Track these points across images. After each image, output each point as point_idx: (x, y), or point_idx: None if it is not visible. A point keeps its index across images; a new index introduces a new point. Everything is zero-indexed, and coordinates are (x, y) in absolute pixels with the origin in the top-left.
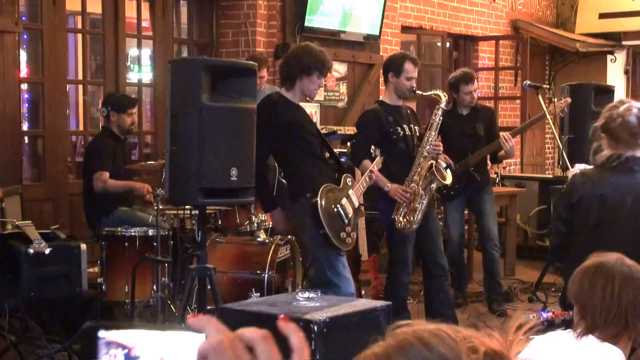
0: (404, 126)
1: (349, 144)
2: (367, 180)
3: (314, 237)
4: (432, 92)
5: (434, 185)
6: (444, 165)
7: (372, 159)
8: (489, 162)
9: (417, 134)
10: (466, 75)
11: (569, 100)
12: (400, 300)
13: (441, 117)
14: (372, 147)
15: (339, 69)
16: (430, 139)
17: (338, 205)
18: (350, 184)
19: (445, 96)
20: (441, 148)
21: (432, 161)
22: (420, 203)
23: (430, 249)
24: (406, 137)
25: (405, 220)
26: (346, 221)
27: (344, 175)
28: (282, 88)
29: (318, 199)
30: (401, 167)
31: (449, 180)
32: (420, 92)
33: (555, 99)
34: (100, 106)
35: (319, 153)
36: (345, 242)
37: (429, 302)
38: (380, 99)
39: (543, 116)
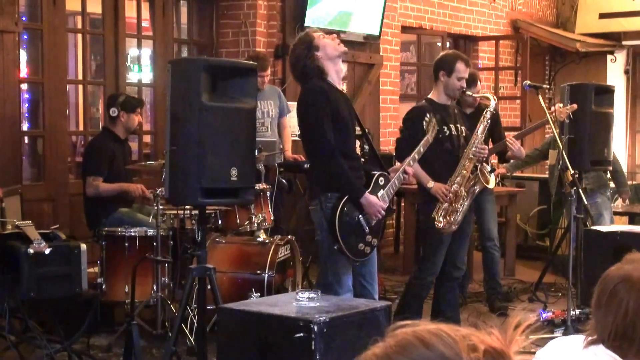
0: (451, 126)
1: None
2: (400, 178)
3: (325, 241)
4: (483, 95)
5: (477, 188)
6: (489, 169)
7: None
8: (496, 162)
9: (464, 134)
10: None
11: (574, 106)
12: (418, 298)
13: (489, 120)
14: (426, 116)
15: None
16: (476, 142)
17: (360, 215)
18: (382, 183)
19: (495, 99)
20: (487, 151)
21: (477, 164)
22: (461, 204)
23: (455, 250)
24: (452, 137)
25: (445, 220)
26: (367, 230)
27: (377, 175)
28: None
29: (338, 210)
30: (445, 166)
31: (492, 184)
32: (470, 93)
33: (561, 105)
34: (106, 107)
35: (352, 152)
36: (363, 252)
37: (436, 301)
38: (428, 96)
39: (546, 122)
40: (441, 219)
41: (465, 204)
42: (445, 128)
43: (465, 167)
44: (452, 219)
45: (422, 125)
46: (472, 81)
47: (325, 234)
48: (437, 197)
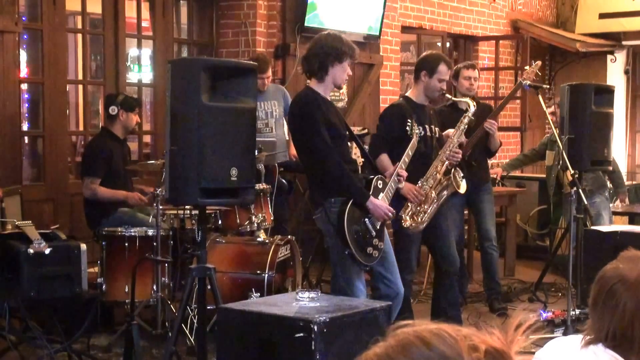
0: (426, 126)
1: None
2: (396, 181)
3: (336, 246)
4: (462, 99)
5: (447, 192)
6: (461, 174)
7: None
8: (489, 161)
9: (437, 135)
10: (469, 63)
11: (539, 63)
12: (404, 299)
13: (466, 125)
14: (408, 121)
15: None
16: (451, 145)
17: (366, 219)
18: (381, 186)
19: (474, 105)
20: (460, 156)
21: (450, 167)
22: (430, 206)
23: (441, 247)
24: (426, 138)
25: (411, 220)
26: (374, 233)
27: (374, 179)
28: (311, 81)
29: (346, 215)
30: (417, 166)
31: (463, 189)
32: (449, 96)
33: (527, 67)
34: (105, 106)
35: (347, 157)
36: (372, 256)
37: (436, 301)
38: (406, 94)
39: (520, 86)
40: (407, 217)
41: (434, 206)
42: (420, 128)
43: (437, 169)
44: (419, 219)
45: (399, 124)
46: (470, 66)
47: (334, 240)
48: (407, 197)
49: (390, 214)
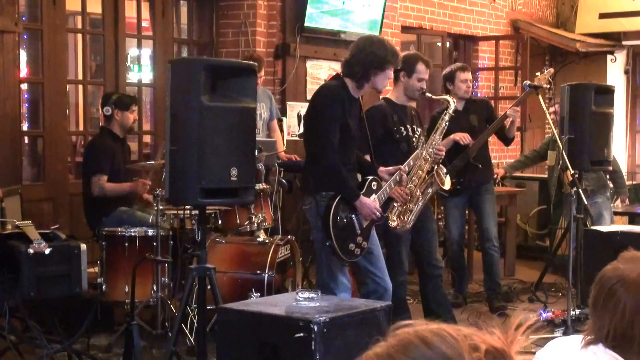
0: (408, 126)
1: None
2: (392, 186)
3: (319, 239)
4: (442, 97)
5: (431, 189)
6: (445, 170)
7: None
8: (492, 156)
9: (419, 135)
10: (462, 65)
11: (552, 70)
12: (400, 300)
13: (447, 123)
14: (419, 134)
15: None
16: (434, 143)
17: (353, 215)
18: (375, 188)
19: (454, 102)
20: (443, 153)
21: (433, 165)
22: (416, 204)
23: (426, 249)
24: (409, 138)
25: (398, 220)
26: (359, 231)
27: (369, 179)
28: (347, 80)
29: (332, 208)
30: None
31: (447, 186)
32: (429, 95)
33: (538, 73)
34: (101, 106)
35: (349, 162)
36: (353, 253)
37: (426, 304)
38: (387, 96)
39: (530, 93)
40: (395, 217)
41: (420, 204)
42: (402, 129)
43: (421, 168)
44: (405, 218)
45: (382, 124)
46: (465, 68)
47: (319, 232)
48: (392, 197)
49: (377, 213)
